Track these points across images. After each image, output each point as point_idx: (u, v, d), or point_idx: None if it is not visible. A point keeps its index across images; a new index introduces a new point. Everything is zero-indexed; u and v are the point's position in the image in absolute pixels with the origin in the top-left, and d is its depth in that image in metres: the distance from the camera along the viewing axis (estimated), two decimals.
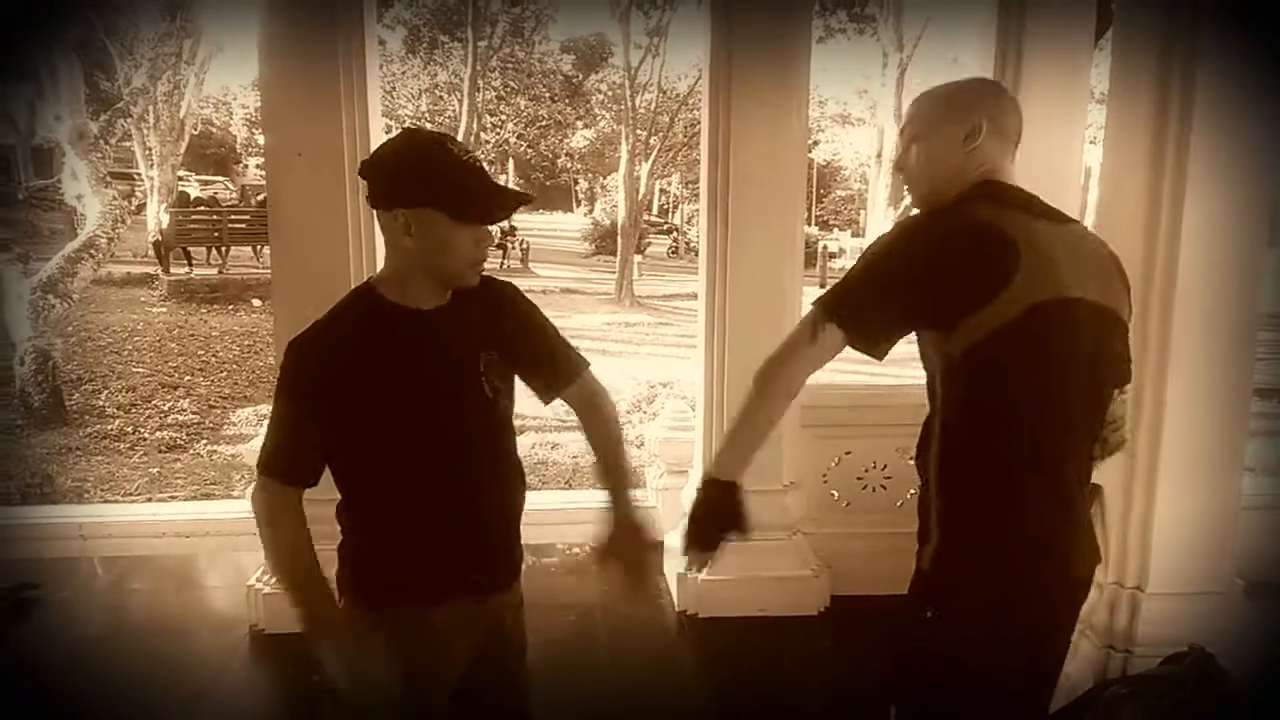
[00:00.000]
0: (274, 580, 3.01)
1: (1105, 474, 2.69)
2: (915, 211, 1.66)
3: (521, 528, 1.77)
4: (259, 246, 17.59)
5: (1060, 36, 3.23)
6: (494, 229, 1.70)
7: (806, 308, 1.60)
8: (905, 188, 1.73)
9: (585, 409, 1.78)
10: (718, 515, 1.64)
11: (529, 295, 1.79)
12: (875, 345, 1.51)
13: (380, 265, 3.47)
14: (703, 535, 1.66)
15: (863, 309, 1.52)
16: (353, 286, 3.29)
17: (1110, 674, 2.62)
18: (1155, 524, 2.64)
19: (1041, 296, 1.43)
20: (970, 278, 1.44)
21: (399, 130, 1.70)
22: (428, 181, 1.50)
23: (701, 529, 1.66)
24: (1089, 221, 2.83)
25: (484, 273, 1.65)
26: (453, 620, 1.65)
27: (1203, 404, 2.60)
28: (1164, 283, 2.54)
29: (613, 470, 1.77)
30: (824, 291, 1.56)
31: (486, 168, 1.63)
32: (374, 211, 1.59)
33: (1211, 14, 2.42)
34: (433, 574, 1.64)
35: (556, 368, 1.76)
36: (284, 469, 1.60)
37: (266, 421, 1.63)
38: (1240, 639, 2.56)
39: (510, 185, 1.88)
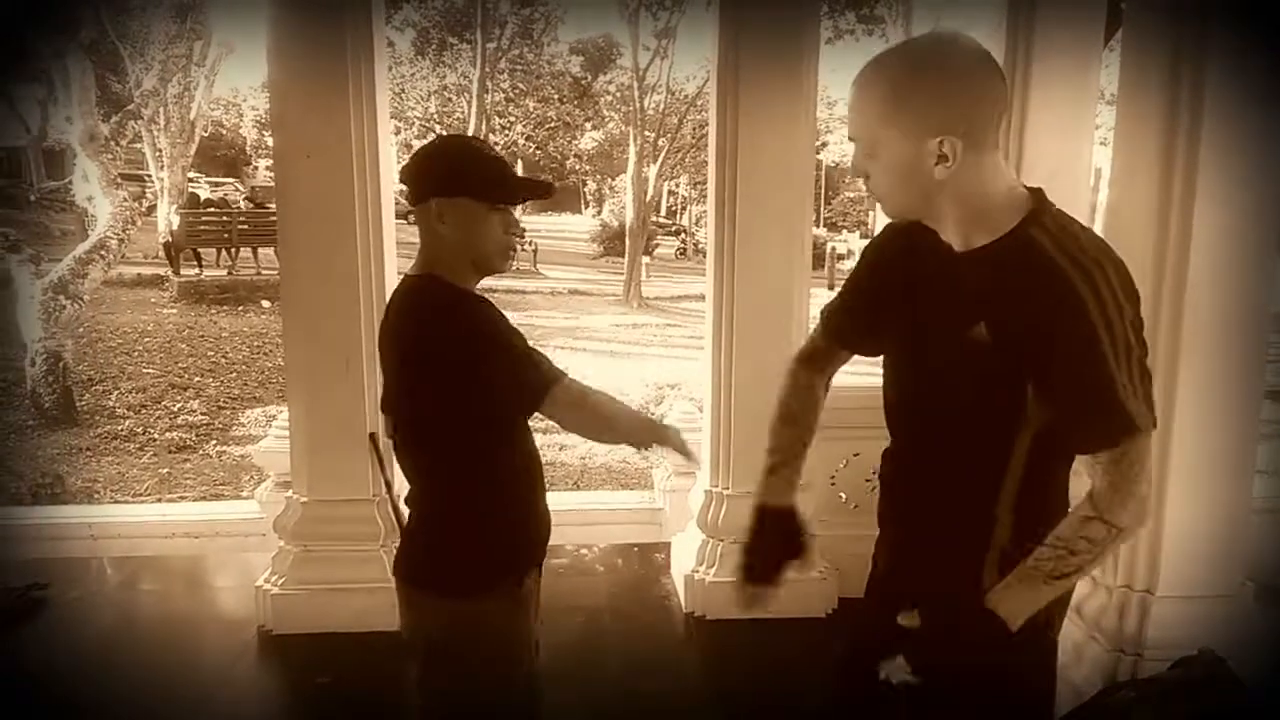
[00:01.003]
0: None
1: None
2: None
3: None
4: (257, 250, 17.69)
5: (1070, 37, 3.21)
6: None
7: (815, 310, 1.57)
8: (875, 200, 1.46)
9: None
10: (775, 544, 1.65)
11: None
12: None
13: (388, 267, 3.46)
14: (762, 568, 1.64)
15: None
16: (359, 289, 3.28)
17: (1119, 678, 2.61)
18: (1165, 527, 2.62)
19: None
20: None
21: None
22: (458, 171, 1.68)
23: (756, 560, 1.65)
24: (1099, 223, 2.81)
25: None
26: (526, 602, 1.82)
27: (1213, 406, 2.58)
28: (1174, 284, 2.52)
29: None
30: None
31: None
32: (409, 216, 1.74)
33: (1221, 14, 2.40)
34: (515, 555, 1.81)
35: None
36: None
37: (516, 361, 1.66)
38: (1251, 643, 2.55)
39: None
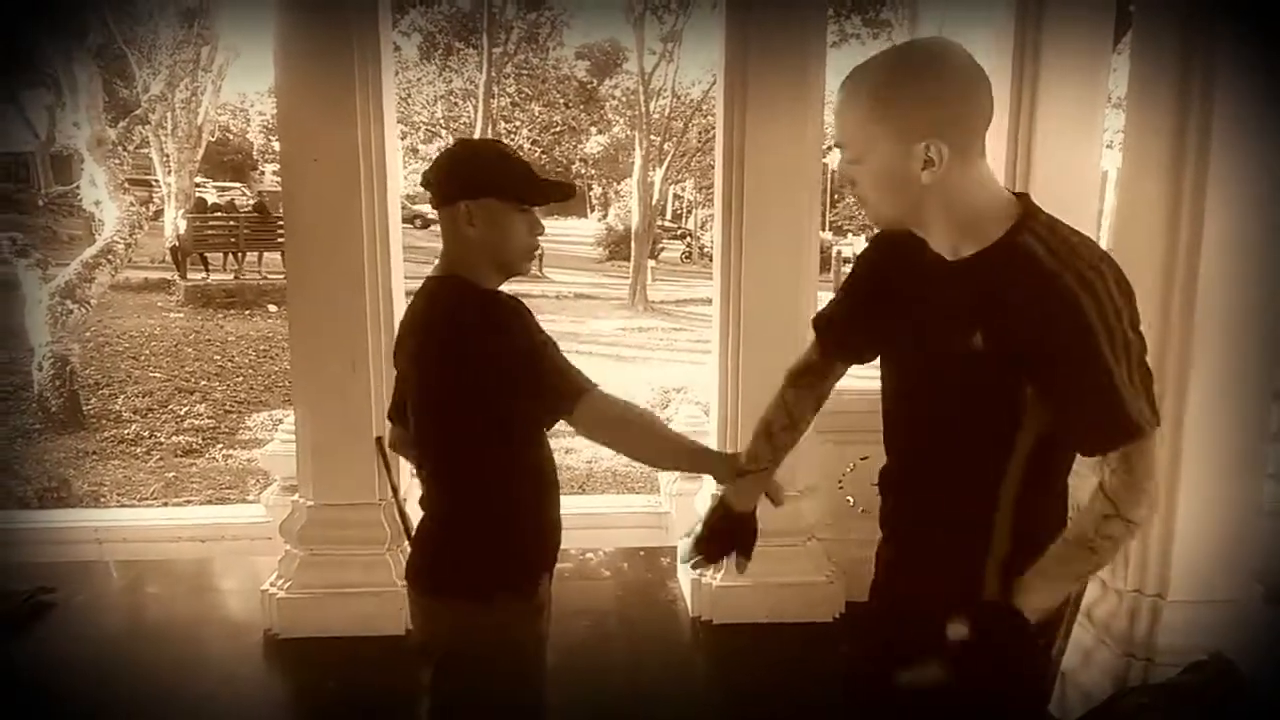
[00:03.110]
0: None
1: None
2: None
3: None
4: (262, 254, 17.80)
5: (1078, 40, 3.20)
6: None
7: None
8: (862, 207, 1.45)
9: None
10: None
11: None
12: None
13: (394, 272, 3.46)
14: (710, 555, 1.83)
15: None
16: (366, 293, 3.28)
17: (1130, 683, 2.59)
18: (1176, 531, 2.61)
19: None
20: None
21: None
22: (486, 173, 1.71)
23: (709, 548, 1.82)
24: (1107, 226, 2.80)
25: None
26: (541, 608, 1.82)
27: (1223, 410, 2.57)
28: (1184, 287, 2.51)
29: None
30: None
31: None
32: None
33: (1231, 16, 2.39)
34: (529, 560, 1.81)
35: None
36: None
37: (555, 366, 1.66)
38: (1262, 647, 2.53)
39: None
